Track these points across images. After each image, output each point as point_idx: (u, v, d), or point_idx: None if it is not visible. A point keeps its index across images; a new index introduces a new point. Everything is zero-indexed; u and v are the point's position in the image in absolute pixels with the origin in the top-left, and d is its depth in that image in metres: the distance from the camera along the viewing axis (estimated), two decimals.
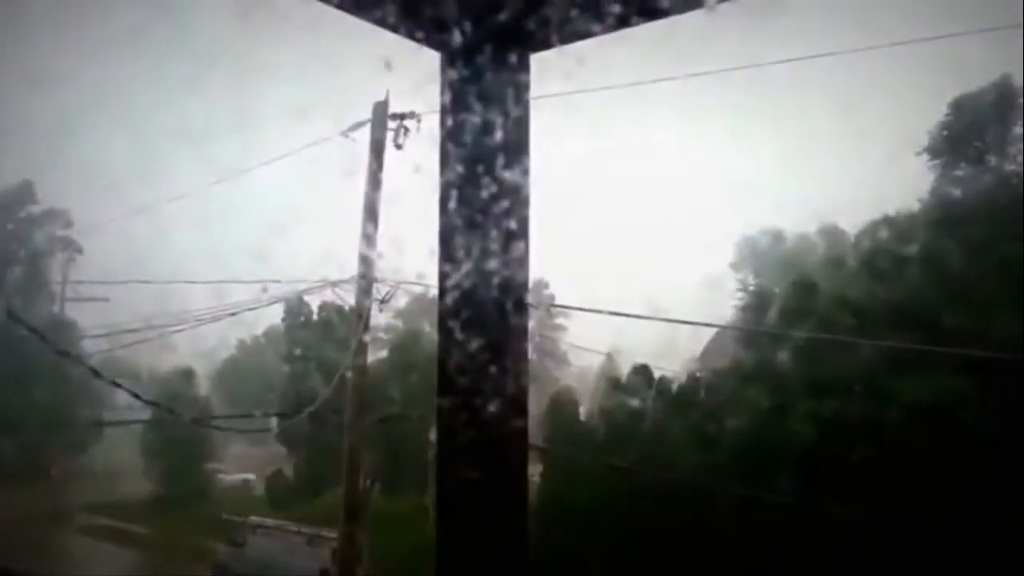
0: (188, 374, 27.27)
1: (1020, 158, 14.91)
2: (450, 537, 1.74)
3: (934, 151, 15.23)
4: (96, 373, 10.69)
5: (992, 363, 11.07)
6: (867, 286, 13.71)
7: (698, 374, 17.65)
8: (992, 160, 15.12)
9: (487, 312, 1.65)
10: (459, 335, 1.65)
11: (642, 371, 17.28)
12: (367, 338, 11.72)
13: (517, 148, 1.71)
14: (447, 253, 1.70)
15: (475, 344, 1.64)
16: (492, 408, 1.61)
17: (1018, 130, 14.60)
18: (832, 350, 13.46)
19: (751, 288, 19.86)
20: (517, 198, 1.69)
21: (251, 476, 27.24)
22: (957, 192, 14.92)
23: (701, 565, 12.96)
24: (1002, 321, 11.68)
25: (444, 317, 1.71)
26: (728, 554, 12.59)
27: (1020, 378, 10.65)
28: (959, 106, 15.00)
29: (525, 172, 1.71)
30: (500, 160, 1.68)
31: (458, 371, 1.66)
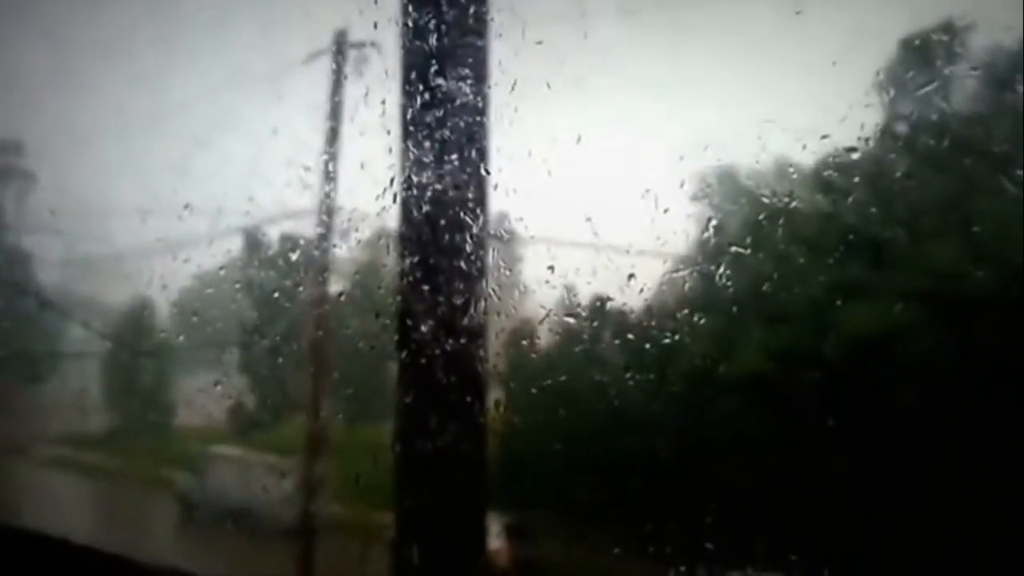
0: (145, 305, 26.95)
1: (973, 92, 15.00)
2: (409, 464, 1.76)
3: (886, 75, 15.25)
4: (46, 302, 10.58)
5: (940, 294, 11.32)
6: (814, 206, 13.83)
7: (651, 305, 17.77)
8: (945, 90, 15.20)
9: (445, 243, 1.65)
10: (418, 267, 1.65)
11: (599, 301, 17.43)
12: (326, 269, 11.67)
13: (476, 75, 1.69)
14: (406, 184, 1.69)
15: (433, 275, 1.64)
16: (450, 337, 1.62)
17: (962, 68, 14.66)
18: (782, 278, 13.63)
19: (706, 216, 19.91)
20: (476, 126, 1.67)
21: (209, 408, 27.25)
22: (906, 120, 15.01)
23: (653, 484, 13.28)
24: (948, 252, 11.89)
25: (403, 248, 1.70)
26: (675, 475, 12.90)
27: (965, 309, 10.91)
28: (909, 42, 15.01)
29: (484, 100, 1.69)
30: (459, 87, 1.65)
31: (417, 302, 1.66)
